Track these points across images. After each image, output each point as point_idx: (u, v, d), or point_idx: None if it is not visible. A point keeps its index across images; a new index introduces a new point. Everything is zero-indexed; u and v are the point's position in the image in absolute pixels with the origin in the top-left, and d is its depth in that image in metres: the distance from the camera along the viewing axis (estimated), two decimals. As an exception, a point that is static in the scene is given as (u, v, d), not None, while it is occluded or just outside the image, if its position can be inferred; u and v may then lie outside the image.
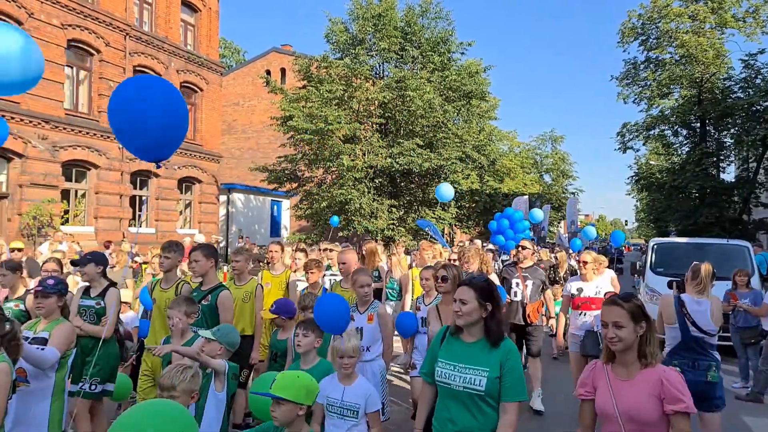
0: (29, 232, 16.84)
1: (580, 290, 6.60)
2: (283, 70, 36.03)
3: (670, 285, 5.88)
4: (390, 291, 9.19)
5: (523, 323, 7.10)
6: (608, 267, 7.11)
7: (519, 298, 7.15)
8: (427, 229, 12.64)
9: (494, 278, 7.25)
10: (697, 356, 4.94)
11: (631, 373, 2.78)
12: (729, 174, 36.68)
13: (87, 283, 5.33)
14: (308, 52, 26.74)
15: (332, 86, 22.54)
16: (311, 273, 6.40)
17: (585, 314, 6.43)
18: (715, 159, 31.42)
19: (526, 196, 26.24)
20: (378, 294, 8.40)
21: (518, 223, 13.49)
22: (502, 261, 13.43)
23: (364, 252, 9.51)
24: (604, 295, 6.29)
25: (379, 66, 26.31)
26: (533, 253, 8.34)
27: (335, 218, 20.40)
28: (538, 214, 20.72)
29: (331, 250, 9.04)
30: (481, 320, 3.08)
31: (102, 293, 5.12)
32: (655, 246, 13.18)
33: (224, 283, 5.59)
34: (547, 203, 36.35)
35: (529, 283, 7.18)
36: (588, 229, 19.29)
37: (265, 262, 7.21)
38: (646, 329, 2.75)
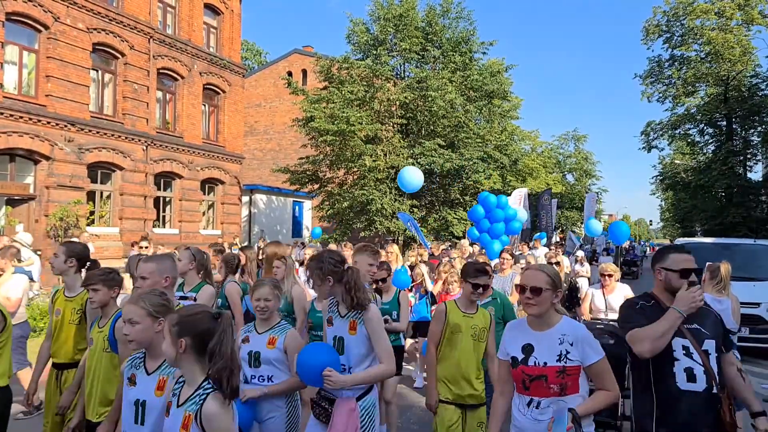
0: (56, 233, 17.09)
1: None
2: (304, 72, 36.17)
3: None
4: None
5: None
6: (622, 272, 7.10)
7: None
8: (408, 224, 11.92)
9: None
10: None
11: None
12: (756, 173, 36.14)
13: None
14: (329, 54, 26.84)
15: (353, 87, 22.58)
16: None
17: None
18: (741, 158, 30.99)
19: (525, 189, 25.12)
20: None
21: (495, 211, 12.40)
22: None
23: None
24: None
25: (401, 66, 26.31)
26: (513, 263, 8.34)
27: (316, 230, 20.55)
28: (521, 211, 19.91)
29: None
30: None
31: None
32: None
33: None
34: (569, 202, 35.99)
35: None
36: (592, 224, 18.16)
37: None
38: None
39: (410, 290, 8.54)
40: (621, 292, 6.80)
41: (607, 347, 5.71)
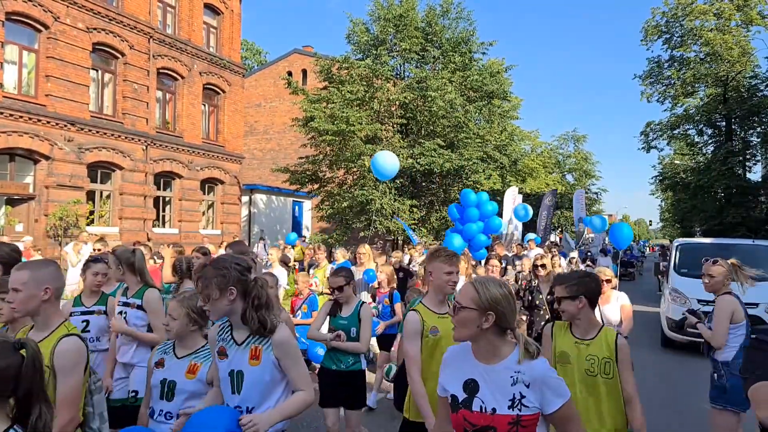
0: (55, 233, 17.11)
1: None
2: (304, 72, 36.16)
3: (693, 313, 5.44)
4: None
5: None
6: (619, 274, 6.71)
7: None
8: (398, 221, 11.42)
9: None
10: None
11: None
12: (755, 173, 36.16)
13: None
14: (329, 54, 26.83)
15: (353, 87, 22.59)
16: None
17: None
18: (741, 158, 31.03)
19: (515, 188, 24.74)
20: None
21: (468, 210, 11.75)
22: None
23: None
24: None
25: (400, 67, 26.30)
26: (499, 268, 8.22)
27: (291, 235, 20.56)
28: (526, 210, 19.74)
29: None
30: None
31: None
32: (679, 246, 13.04)
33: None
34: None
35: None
36: (596, 219, 17.56)
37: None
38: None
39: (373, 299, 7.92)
40: (617, 302, 6.03)
41: None
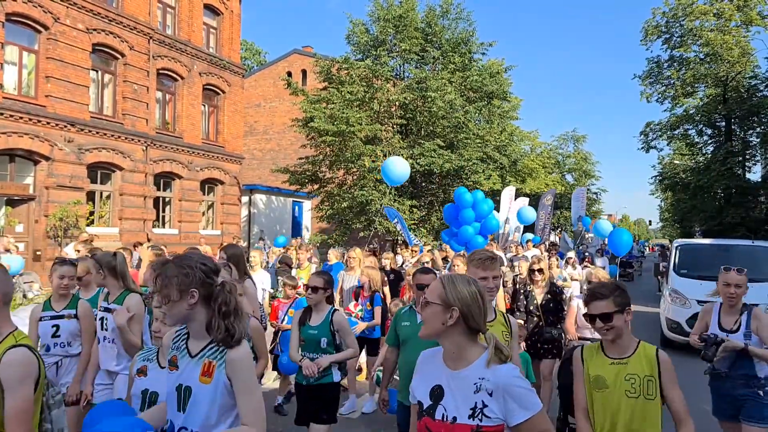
0: (55, 233, 17.12)
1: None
2: (304, 72, 36.17)
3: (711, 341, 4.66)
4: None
5: None
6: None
7: None
8: (394, 221, 11.14)
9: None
10: None
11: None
12: (755, 174, 36.17)
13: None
14: (329, 54, 26.86)
15: (353, 88, 22.60)
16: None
17: None
18: (740, 158, 31.04)
19: (512, 187, 24.57)
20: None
21: (464, 212, 11.50)
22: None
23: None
24: None
25: (400, 67, 26.33)
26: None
27: (280, 238, 20.54)
28: (529, 213, 19.42)
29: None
30: None
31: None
32: (679, 247, 13.02)
33: None
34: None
35: None
36: (602, 224, 17.07)
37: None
38: None
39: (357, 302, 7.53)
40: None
41: None
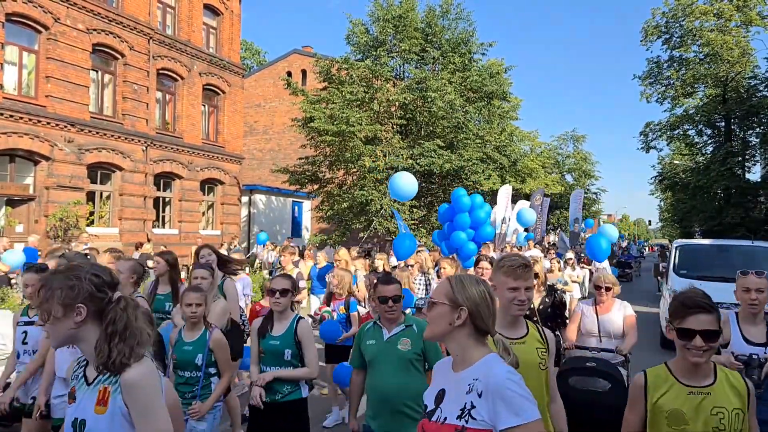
0: (55, 233, 17.11)
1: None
2: (304, 72, 36.15)
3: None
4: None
5: None
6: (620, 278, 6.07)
7: None
8: (401, 221, 10.86)
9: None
10: None
11: None
12: (755, 174, 36.16)
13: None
14: (329, 54, 26.85)
15: (353, 88, 22.60)
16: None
17: None
18: (740, 159, 31.05)
19: (509, 186, 24.39)
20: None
21: (459, 216, 11.02)
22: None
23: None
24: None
25: (400, 67, 26.32)
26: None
27: (262, 235, 20.56)
28: (529, 215, 19.27)
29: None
30: None
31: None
32: (679, 247, 13.01)
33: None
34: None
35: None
36: (608, 228, 16.77)
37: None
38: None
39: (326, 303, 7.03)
40: (619, 312, 5.40)
41: (600, 396, 4.51)
